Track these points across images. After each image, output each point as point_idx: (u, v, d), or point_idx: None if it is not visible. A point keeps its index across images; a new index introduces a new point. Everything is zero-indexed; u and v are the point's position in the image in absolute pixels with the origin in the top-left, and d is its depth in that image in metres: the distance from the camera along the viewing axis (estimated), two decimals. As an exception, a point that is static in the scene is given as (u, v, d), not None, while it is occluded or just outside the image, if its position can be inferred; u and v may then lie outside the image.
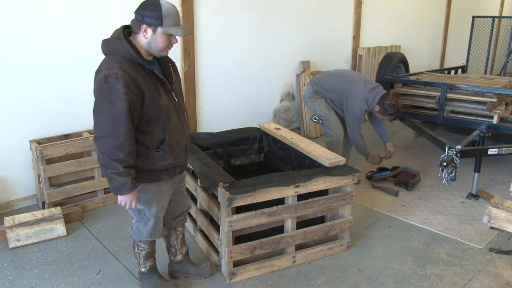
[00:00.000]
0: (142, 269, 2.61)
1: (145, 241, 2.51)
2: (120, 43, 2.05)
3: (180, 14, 4.38)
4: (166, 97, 2.20)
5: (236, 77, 5.14)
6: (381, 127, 4.28)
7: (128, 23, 2.19)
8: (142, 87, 2.05)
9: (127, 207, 2.22)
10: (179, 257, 2.75)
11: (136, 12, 2.08)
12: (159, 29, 2.05)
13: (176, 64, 2.40)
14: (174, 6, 2.09)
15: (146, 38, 2.08)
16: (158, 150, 2.21)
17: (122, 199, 2.18)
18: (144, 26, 2.05)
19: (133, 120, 2.07)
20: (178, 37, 2.18)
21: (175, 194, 2.53)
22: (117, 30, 2.12)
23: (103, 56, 2.14)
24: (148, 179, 2.27)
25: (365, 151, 4.16)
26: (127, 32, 2.13)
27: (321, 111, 4.09)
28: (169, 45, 2.14)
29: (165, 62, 2.29)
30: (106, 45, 2.11)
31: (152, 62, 2.20)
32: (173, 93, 2.29)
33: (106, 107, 2.00)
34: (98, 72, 2.07)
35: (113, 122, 2.01)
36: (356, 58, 6.80)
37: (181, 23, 2.15)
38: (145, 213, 2.39)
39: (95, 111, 2.06)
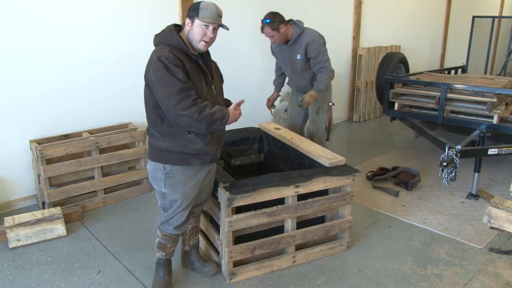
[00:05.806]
0: (155, 258, 2.68)
1: (160, 228, 2.56)
2: (171, 34, 2.31)
3: (180, 14, 4.41)
4: (206, 87, 2.37)
5: (236, 77, 5.13)
6: (316, 77, 3.95)
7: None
8: (188, 71, 2.26)
9: (238, 119, 2.44)
10: (187, 247, 2.84)
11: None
12: (196, 20, 2.29)
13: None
14: (213, 4, 2.32)
15: (187, 30, 2.33)
16: (191, 132, 2.32)
17: (231, 121, 2.39)
18: (187, 19, 2.33)
19: None
20: (209, 32, 2.31)
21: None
22: (168, 26, 2.39)
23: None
24: (179, 161, 2.37)
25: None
26: (177, 29, 2.37)
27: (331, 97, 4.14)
28: (204, 36, 2.31)
29: (208, 60, 2.48)
30: (158, 37, 2.36)
31: (197, 56, 2.38)
32: (213, 87, 2.44)
33: (169, 79, 2.18)
34: (150, 58, 2.30)
35: (182, 89, 2.18)
36: (356, 58, 6.80)
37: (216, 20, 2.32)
38: (167, 198, 2.46)
39: (161, 87, 2.20)
